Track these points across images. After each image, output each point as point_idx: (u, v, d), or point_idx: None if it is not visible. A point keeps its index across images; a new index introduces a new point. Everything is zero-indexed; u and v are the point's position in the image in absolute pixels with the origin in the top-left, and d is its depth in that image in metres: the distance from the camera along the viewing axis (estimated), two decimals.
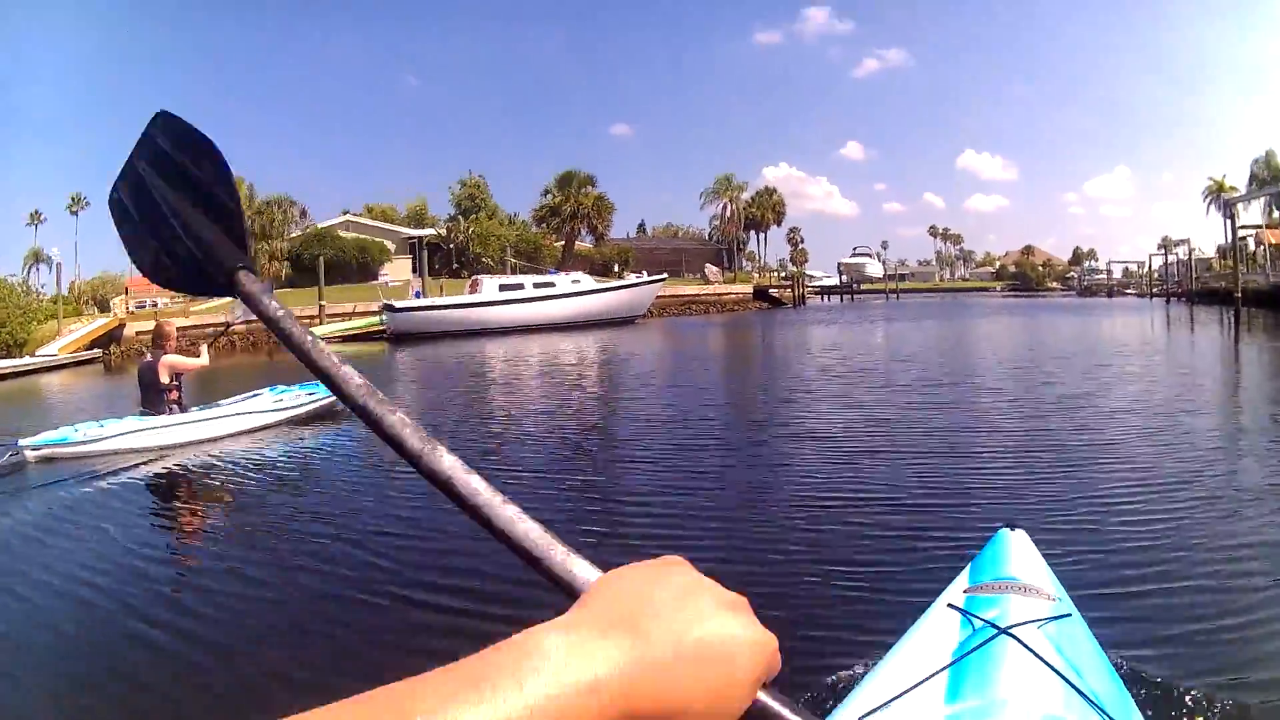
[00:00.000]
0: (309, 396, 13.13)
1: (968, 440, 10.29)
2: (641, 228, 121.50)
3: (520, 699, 0.47)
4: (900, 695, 2.20)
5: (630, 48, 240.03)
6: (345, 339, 42.12)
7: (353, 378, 0.82)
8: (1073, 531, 6.27)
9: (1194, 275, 63.69)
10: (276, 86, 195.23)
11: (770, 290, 77.51)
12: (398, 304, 43.19)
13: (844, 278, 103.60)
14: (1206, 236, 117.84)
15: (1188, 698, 3.77)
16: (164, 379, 11.63)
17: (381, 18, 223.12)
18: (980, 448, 9.79)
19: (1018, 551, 3.06)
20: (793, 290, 78.52)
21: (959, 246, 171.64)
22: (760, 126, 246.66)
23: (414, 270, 61.55)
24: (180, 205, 1.12)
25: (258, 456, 10.94)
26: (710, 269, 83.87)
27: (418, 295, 47.04)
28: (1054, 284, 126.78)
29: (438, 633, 4.95)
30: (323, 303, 47.55)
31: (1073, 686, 2.13)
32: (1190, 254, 67.55)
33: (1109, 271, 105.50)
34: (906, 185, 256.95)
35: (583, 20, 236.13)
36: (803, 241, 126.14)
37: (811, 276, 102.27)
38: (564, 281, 48.48)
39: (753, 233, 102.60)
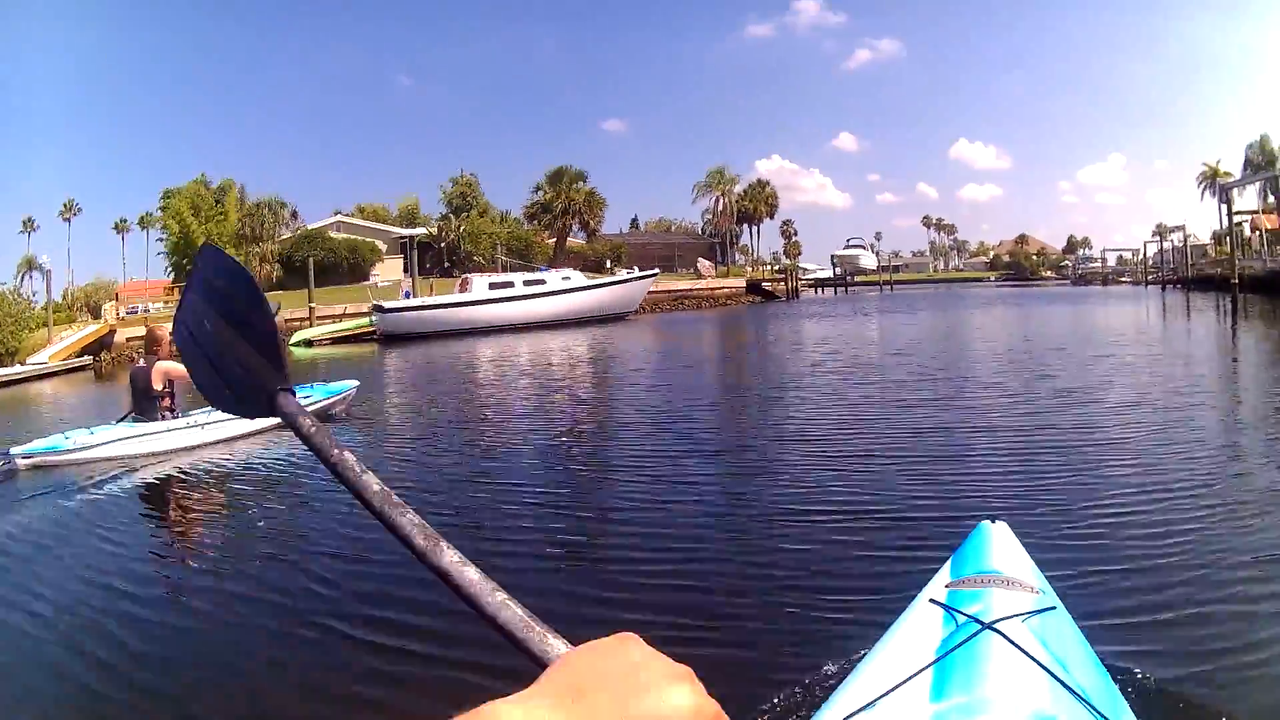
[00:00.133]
0: (302, 399, 12.63)
1: (956, 434, 10.18)
2: (634, 223, 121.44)
3: None
4: (885, 694, 2.17)
5: (622, 43, 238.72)
6: (336, 341, 41.88)
7: (371, 484, 0.94)
8: (1057, 523, 6.30)
9: (1189, 262, 63.61)
10: (268, 88, 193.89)
11: (763, 284, 77.25)
12: (387, 304, 42.74)
13: (838, 270, 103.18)
14: (1201, 223, 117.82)
15: (1174, 689, 3.79)
16: (157, 385, 11.49)
17: (374, 18, 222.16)
18: (967, 442, 9.72)
19: (999, 545, 3.07)
20: (786, 283, 78.22)
21: (953, 237, 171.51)
22: (752, 119, 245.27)
23: (405, 270, 61.23)
24: (224, 332, 1.26)
25: (252, 461, 10.90)
26: (703, 263, 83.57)
27: (407, 295, 46.65)
28: (1048, 273, 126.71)
29: (435, 642, 4.83)
30: (312, 305, 47.11)
31: (1059, 681, 2.12)
32: (1186, 240, 67.43)
33: (1103, 259, 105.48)
34: (900, 176, 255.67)
35: (575, 17, 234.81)
36: (796, 234, 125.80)
37: (805, 269, 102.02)
38: (554, 279, 48.05)
39: (746, 226, 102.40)
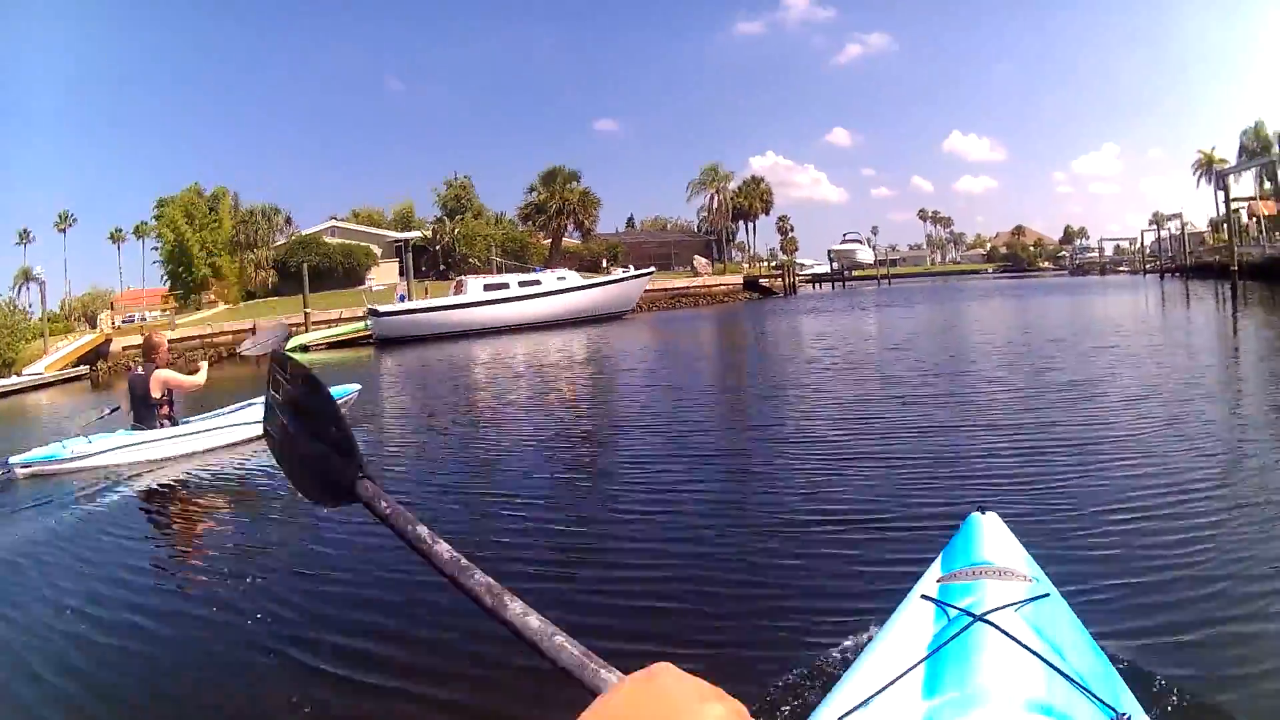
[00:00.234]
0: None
1: (953, 427, 10.08)
2: (630, 222, 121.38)
3: None
4: (878, 693, 2.15)
5: (614, 43, 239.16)
6: (331, 345, 41.80)
7: (442, 552, 1.09)
8: (1052, 511, 6.29)
9: (1187, 250, 63.49)
10: (261, 94, 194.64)
11: (760, 280, 77.04)
12: (382, 308, 42.52)
13: (835, 265, 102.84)
14: (1197, 210, 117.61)
15: (1173, 669, 3.77)
16: (155, 393, 11.40)
17: (365, 21, 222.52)
18: (965, 434, 9.62)
19: (990, 535, 3.05)
20: (783, 279, 77.99)
21: (949, 229, 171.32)
22: (746, 116, 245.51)
23: (401, 273, 61.09)
24: (304, 432, 1.47)
25: (250, 467, 10.77)
26: (699, 261, 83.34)
27: (402, 299, 46.39)
28: (1046, 264, 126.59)
29: (435, 655, 4.78)
30: (308, 310, 47.02)
31: (1054, 669, 2.10)
32: (1183, 229, 67.32)
33: (1100, 249, 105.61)
34: (894, 169, 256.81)
35: (567, 18, 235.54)
36: (792, 230, 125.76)
37: (802, 265, 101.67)
38: (549, 279, 47.84)
39: (741, 223, 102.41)
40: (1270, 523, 5.78)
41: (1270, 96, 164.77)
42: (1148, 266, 75.57)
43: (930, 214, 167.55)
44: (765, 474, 8.70)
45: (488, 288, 45.27)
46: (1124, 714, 2.03)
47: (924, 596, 2.70)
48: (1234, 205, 49.72)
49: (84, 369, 39.15)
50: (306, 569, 6.56)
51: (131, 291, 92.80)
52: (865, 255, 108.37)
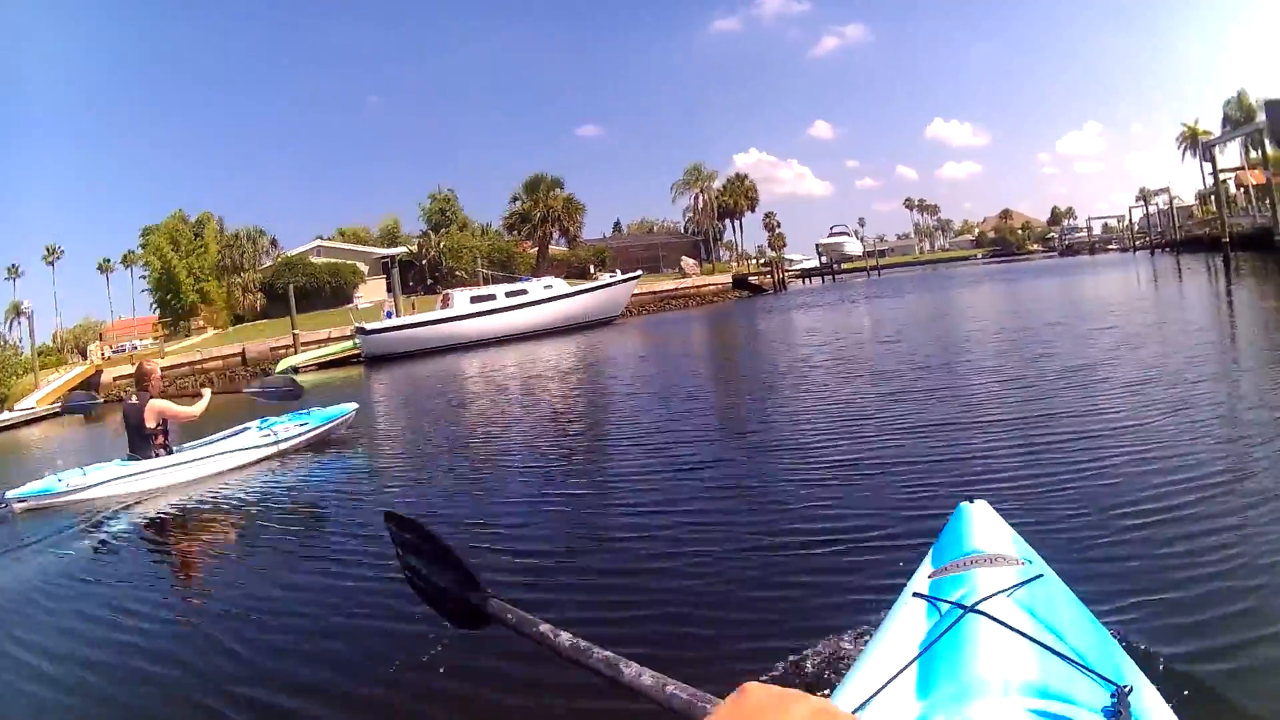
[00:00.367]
0: (299, 428, 12.93)
1: (946, 418, 9.90)
2: (617, 226, 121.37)
3: None
4: (871, 698, 2.10)
5: (592, 49, 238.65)
6: (322, 366, 41.70)
7: (564, 641, 1.45)
8: (1047, 494, 6.26)
9: (1177, 224, 63.43)
10: (242, 118, 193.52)
11: (750, 278, 76.51)
12: (369, 326, 42.32)
13: (823, 259, 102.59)
14: (1184, 184, 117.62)
15: (1177, 640, 3.78)
16: (150, 423, 11.37)
17: (341, 40, 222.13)
18: (957, 425, 9.44)
19: (980, 524, 3.01)
20: (772, 276, 77.62)
21: (936, 217, 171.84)
22: (727, 114, 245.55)
23: (389, 290, 60.97)
24: (431, 571, 1.96)
25: (247, 494, 10.59)
26: (686, 262, 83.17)
27: (389, 315, 46.20)
28: (1035, 246, 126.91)
29: (435, 675, 4.61)
30: (296, 331, 46.99)
31: (1050, 650, 2.08)
32: (1171, 202, 67.30)
33: (1089, 228, 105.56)
34: (878, 160, 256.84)
35: (541, 26, 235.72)
36: (779, 226, 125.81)
37: (791, 260, 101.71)
38: (536, 288, 47.65)
39: (728, 221, 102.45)
40: (1272, 492, 5.72)
41: (1250, 66, 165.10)
42: (1137, 243, 75.62)
43: (916, 202, 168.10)
44: (756, 477, 8.51)
45: (474, 300, 45.00)
46: (1126, 687, 1.97)
47: (916, 594, 2.64)
48: (1221, 176, 49.59)
49: None
50: (306, 599, 6.40)
51: (123, 321, 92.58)
52: (853, 247, 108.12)
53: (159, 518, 9.94)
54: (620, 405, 15.76)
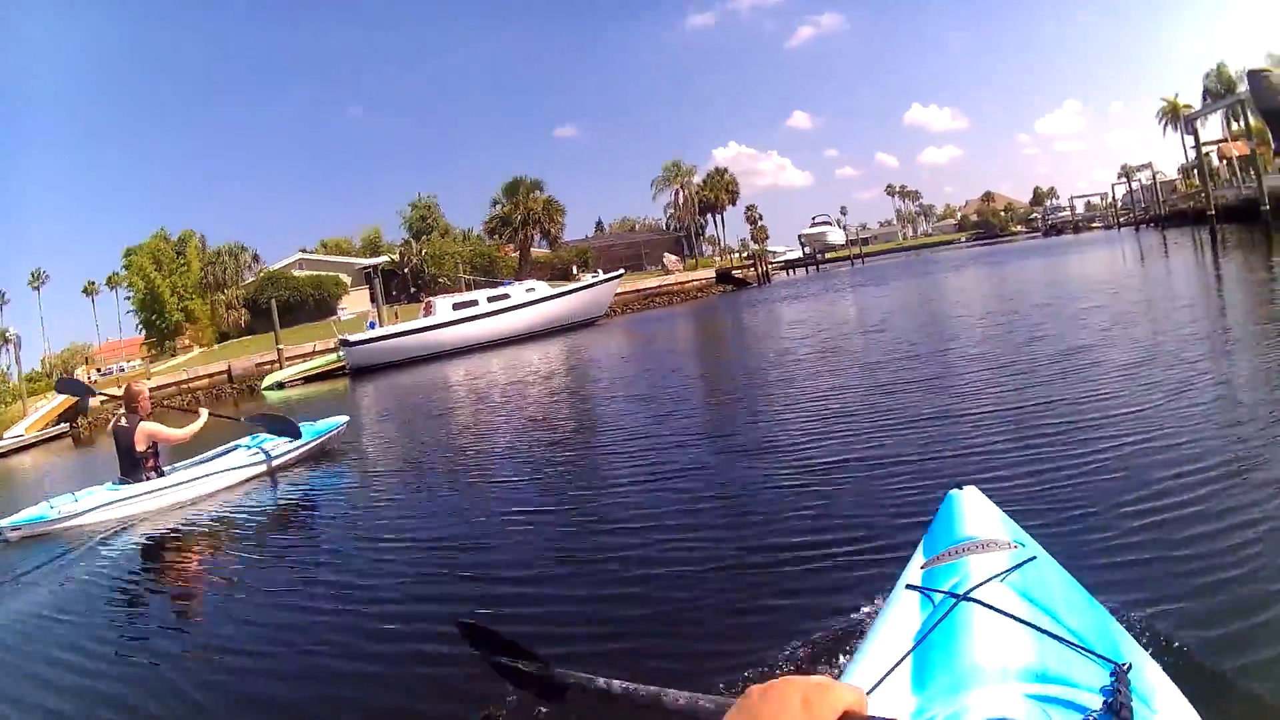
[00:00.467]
0: (289, 444, 12.78)
1: (935, 406, 9.86)
2: (599, 225, 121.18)
3: None
4: (870, 692, 2.04)
5: (566, 50, 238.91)
6: (308, 380, 41.25)
7: (615, 687, 1.54)
8: (1041, 476, 6.26)
9: (1160, 199, 63.45)
10: (221, 134, 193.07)
11: (733, 272, 76.18)
12: (353, 338, 41.79)
13: (807, 249, 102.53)
14: (1166, 159, 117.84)
15: (1178, 616, 3.79)
16: (140, 446, 11.23)
17: (316, 51, 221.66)
18: (947, 412, 9.42)
19: (970, 510, 3.01)
20: (756, 269, 77.28)
21: (918, 202, 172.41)
22: (705, 109, 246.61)
23: (373, 300, 60.67)
24: (511, 662, 2.61)
25: (240, 514, 10.50)
26: (668, 258, 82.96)
27: (372, 326, 45.78)
28: (1018, 227, 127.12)
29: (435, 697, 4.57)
30: (280, 346, 46.53)
31: (1046, 633, 2.07)
32: (1154, 178, 67.35)
33: (1071, 207, 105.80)
34: (857, 148, 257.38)
35: (517, 30, 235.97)
36: (761, 218, 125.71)
37: (774, 252, 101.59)
38: (518, 291, 47.15)
39: (709, 216, 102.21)
40: (1265, 464, 5.73)
41: (1227, 38, 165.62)
42: (1121, 220, 75.71)
43: (898, 189, 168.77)
44: (745, 476, 8.35)
45: (456, 306, 44.59)
46: (1125, 664, 1.94)
47: (909, 586, 2.63)
48: (1204, 149, 49.56)
49: (64, 427, 39.02)
50: (303, 622, 6.22)
51: (110, 343, 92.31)
52: (836, 236, 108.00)
53: (152, 542, 9.82)
54: (605, 407, 15.65)
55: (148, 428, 11.29)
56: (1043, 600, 2.29)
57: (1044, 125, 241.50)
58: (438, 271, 71.32)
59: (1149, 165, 69.52)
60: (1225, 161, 59.93)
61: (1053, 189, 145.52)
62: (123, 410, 11.77)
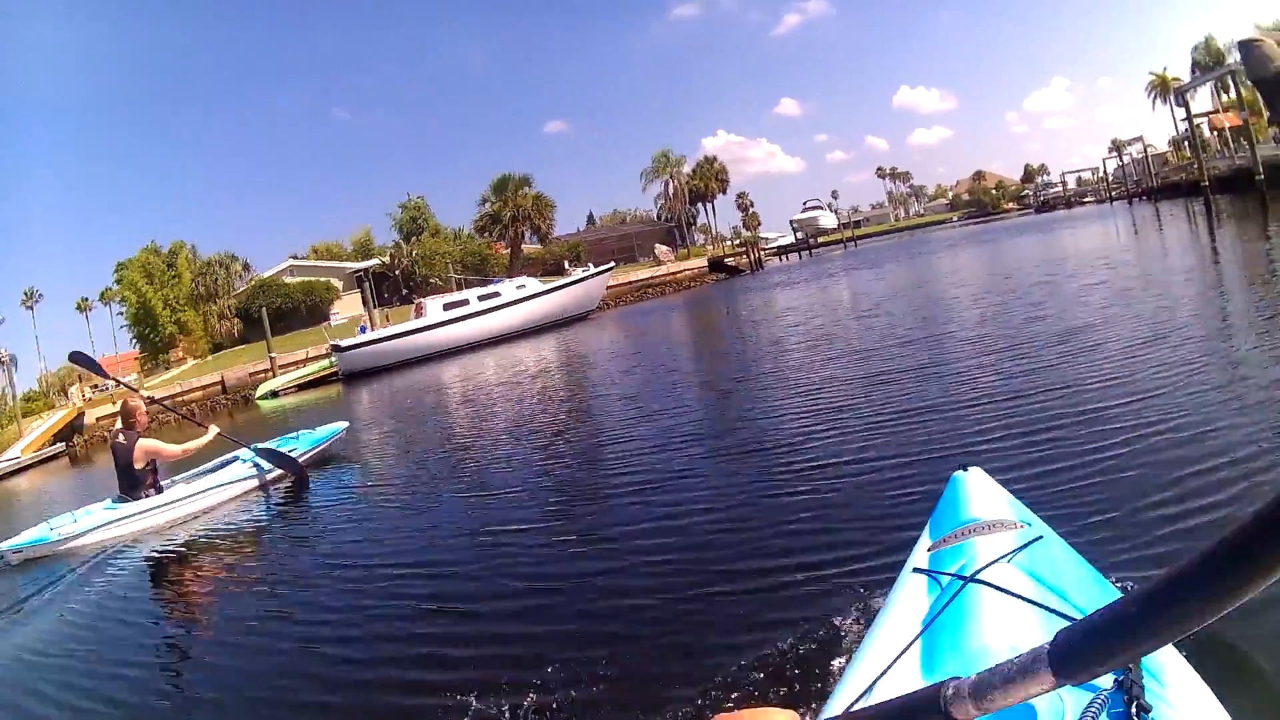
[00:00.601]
0: (288, 453, 12.64)
1: (934, 389, 9.74)
2: (591, 219, 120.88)
3: None
4: (876, 680, 2.06)
5: (552, 45, 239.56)
6: (302, 387, 41.24)
7: None
8: (1044, 453, 6.27)
9: (1152, 172, 63.32)
10: (208, 143, 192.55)
11: (726, 260, 76.28)
12: (344, 343, 41.66)
13: (799, 235, 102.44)
14: (1156, 133, 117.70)
15: None
16: (139, 463, 11.14)
17: (303, 55, 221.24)
18: (947, 395, 9.29)
19: (975, 491, 2.94)
20: (748, 256, 77.23)
21: (909, 184, 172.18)
22: (693, 99, 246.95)
23: (364, 304, 60.44)
24: None
25: (241, 528, 10.49)
26: (660, 249, 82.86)
27: (363, 330, 45.48)
28: (1010, 205, 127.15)
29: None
30: (273, 355, 46.34)
31: (1054, 613, 2.05)
32: (1146, 151, 67.25)
33: (1063, 183, 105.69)
34: (847, 132, 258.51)
35: (501, 26, 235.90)
36: (753, 206, 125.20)
37: (766, 239, 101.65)
38: (509, 289, 47.09)
39: (701, 205, 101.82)
40: (1276, 435, 5.70)
41: (1213, 10, 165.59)
42: (1113, 194, 75.57)
43: (888, 171, 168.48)
44: (749, 468, 8.22)
45: (447, 307, 44.40)
46: None
47: (916, 569, 2.61)
48: (1196, 121, 49.40)
49: (60, 446, 39.19)
50: (309, 635, 6.16)
51: (106, 359, 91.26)
52: (828, 221, 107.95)
53: (153, 561, 9.72)
54: (600, 402, 15.64)
55: (146, 444, 11.18)
56: (1051, 580, 2.27)
57: (1033, 103, 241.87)
58: (429, 272, 71.07)
59: (1140, 139, 69.32)
60: (1216, 133, 59.86)
61: (1043, 166, 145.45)
62: (120, 426, 11.62)
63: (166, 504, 11.23)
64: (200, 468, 12.36)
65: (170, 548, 10.03)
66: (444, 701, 4.39)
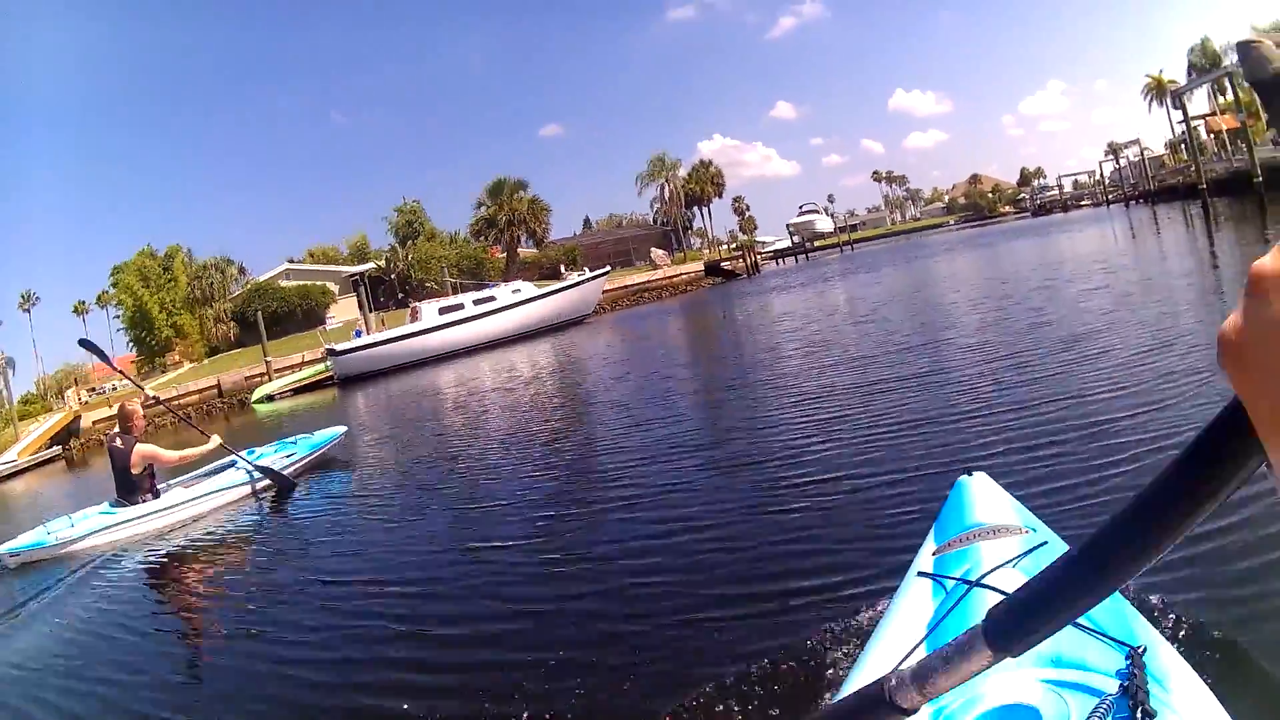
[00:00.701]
0: (286, 459, 12.75)
1: (934, 395, 9.76)
2: (587, 223, 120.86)
3: None
4: None
5: (547, 49, 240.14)
6: (298, 391, 41.09)
7: None
8: (1048, 460, 6.27)
9: (1149, 175, 63.35)
10: (206, 146, 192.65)
11: (722, 264, 76.30)
12: (339, 347, 41.50)
13: (795, 238, 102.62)
14: (1152, 135, 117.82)
15: (1192, 596, 3.80)
16: (136, 468, 11.16)
17: (300, 60, 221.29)
18: (947, 401, 9.33)
19: (980, 496, 2.96)
20: (744, 260, 77.27)
21: (905, 187, 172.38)
22: (688, 102, 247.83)
23: (360, 308, 60.40)
24: None
25: (237, 533, 10.60)
26: (656, 253, 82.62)
27: (358, 334, 45.37)
28: (1007, 208, 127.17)
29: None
30: (268, 359, 46.16)
31: None
32: (1142, 154, 67.31)
33: (1060, 186, 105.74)
34: (843, 136, 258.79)
35: (497, 30, 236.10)
36: (749, 209, 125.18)
37: (763, 243, 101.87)
38: (504, 293, 46.97)
39: (696, 209, 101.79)
40: None
41: (1209, 12, 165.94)
42: (1110, 197, 75.60)
43: (884, 174, 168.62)
44: (752, 475, 8.16)
45: (443, 311, 44.24)
46: (1140, 647, 1.92)
47: (920, 574, 2.61)
48: (1192, 124, 49.44)
49: (57, 449, 39.03)
50: (306, 642, 6.13)
51: (103, 363, 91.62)
52: (824, 224, 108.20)
53: (150, 565, 9.71)
54: (594, 410, 15.54)
55: (144, 449, 11.18)
56: None
57: (1028, 106, 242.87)
58: (425, 276, 71.02)
59: (1136, 141, 69.23)
60: (1213, 135, 59.89)
61: (1040, 169, 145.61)
62: (117, 430, 11.61)
63: (164, 509, 11.20)
64: (196, 472, 12.34)
65: (167, 552, 9.99)
66: (453, 709, 4.42)
